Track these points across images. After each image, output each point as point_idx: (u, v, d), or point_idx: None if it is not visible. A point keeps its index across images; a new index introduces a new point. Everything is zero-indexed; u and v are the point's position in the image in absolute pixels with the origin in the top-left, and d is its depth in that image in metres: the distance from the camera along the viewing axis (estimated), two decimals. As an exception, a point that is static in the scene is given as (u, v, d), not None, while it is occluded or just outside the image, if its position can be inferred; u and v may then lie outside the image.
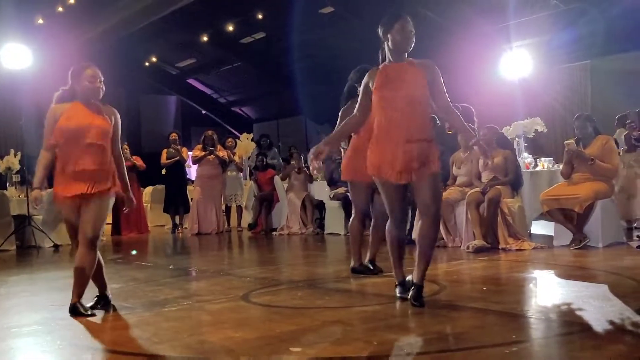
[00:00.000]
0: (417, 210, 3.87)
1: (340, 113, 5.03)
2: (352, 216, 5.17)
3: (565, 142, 6.26)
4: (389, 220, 3.86)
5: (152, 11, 13.39)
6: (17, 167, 9.68)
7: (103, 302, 3.98)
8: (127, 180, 4.06)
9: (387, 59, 3.78)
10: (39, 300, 4.56)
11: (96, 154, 3.80)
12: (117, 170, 3.93)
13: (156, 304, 4.07)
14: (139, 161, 10.51)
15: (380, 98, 3.69)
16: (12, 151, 9.82)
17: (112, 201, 3.88)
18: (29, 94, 9.94)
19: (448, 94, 3.74)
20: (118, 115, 3.98)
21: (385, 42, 3.74)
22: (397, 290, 3.90)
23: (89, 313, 3.75)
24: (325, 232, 8.95)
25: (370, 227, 5.14)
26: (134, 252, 7.86)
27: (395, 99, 3.65)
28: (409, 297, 3.71)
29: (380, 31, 3.76)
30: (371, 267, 4.99)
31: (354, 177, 4.94)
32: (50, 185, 4.54)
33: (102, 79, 3.90)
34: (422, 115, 3.70)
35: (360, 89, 3.87)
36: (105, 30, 14.00)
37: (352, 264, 5.09)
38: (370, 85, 3.76)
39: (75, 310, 3.73)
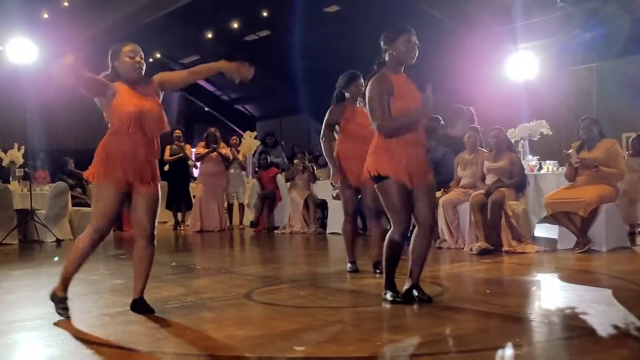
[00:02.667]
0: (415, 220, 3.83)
1: (330, 110, 5.19)
2: (344, 219, 5.25)
3: (565, 152, 6.24)
4: (392, 230, 3.75)
5: (157, 7, 13.40)
6: (21, 161, 9.68)
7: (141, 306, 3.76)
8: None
9: (387, 68, 3.81)
10: (42, 295, 4.53)
11: (150, 146, 3.64)
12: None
13: (159, 301, 4.06)
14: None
15: (397, 108, 3.72)
16: (15, 145, 9.82)
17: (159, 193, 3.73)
18: (34, 88, 9.94)
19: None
20: (157, 77, 3.76)
21: (388, 52, 3.78)
22: (388, 295, 3.83)
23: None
24: (328, 231, 8.94)
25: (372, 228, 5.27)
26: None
27: (409, 110, 3.73)
28: (416, 297, 3.77)
29: (384, 40, 3.81)
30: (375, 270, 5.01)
31: (343, 179, 5.10)
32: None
33: (142, 54, 3.69)
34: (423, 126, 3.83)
35: (377, 95, 3.74)
36: (110, 25, 13.99)
37: (348, 261, 5.21)
38: (388, 91, 3.73)
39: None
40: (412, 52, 3.76)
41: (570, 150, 6.13)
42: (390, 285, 3.84)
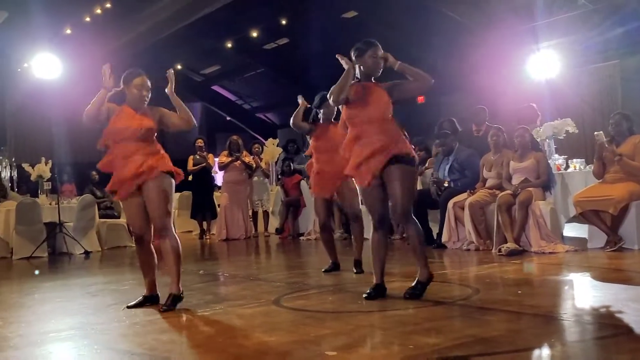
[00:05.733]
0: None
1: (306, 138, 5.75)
2: (320, 228, 5.72)
3: (595, 133, 6.17)
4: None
5: (177, 19, 13.53)
6: (48, 175, 9.84)
7: (151, 301, 4.24)
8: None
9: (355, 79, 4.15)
10: (74, 306, 4.61)
11: (142, 148, 4.09)
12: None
13: (189, 309, 4.10)
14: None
15: (348, 115, 4.13)
16: (42, 159, 9.99)
17: (168, 182, 4.14)
18: (59, 103, 10.11)
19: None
20: (161, 110, 4.24)
21: (358, 65, 4.10)
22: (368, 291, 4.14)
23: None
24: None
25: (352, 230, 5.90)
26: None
27: (358, 117, 4.06)
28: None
29: (354, 54, 4.12)
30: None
31: (317, 193, 5.54)
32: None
33: (150, 87, 4.15)
34: (381, 130, 4.01)
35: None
36: (131, 38, 14.18)
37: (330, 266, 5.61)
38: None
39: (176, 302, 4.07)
40: (378, 66, 4.06)
41: (599, 132, 6.06)
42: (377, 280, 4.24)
